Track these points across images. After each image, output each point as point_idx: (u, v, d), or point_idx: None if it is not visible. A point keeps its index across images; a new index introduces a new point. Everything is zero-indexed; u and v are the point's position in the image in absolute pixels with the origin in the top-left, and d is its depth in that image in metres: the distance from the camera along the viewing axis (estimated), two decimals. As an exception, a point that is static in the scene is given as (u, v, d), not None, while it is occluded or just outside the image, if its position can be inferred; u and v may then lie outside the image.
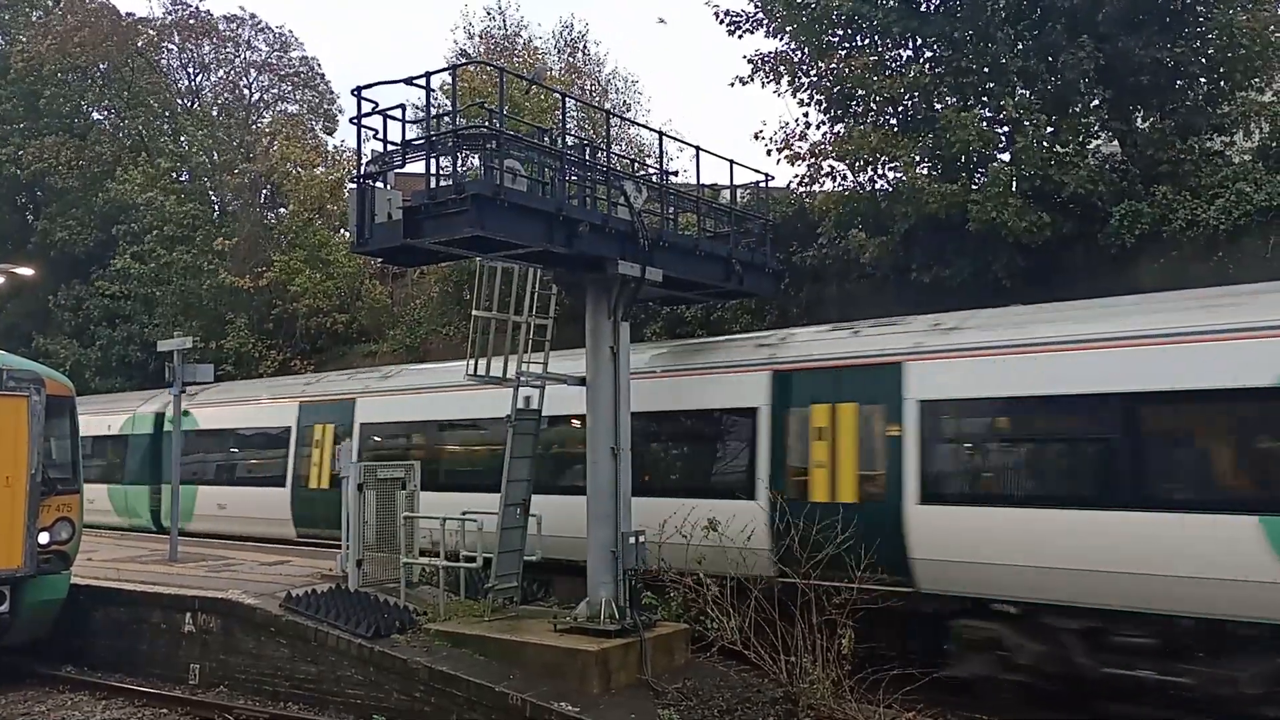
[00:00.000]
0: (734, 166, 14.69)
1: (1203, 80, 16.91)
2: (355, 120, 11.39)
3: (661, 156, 14.76)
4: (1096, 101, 17.32)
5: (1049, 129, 16.65)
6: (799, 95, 19.70)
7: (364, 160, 11.48)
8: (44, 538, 13.68)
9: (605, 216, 12.04)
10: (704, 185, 15.38)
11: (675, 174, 15.05)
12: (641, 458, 13.93)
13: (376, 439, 18.76)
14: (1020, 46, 17.04)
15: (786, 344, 14.25)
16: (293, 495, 20.05)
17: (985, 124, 17.45)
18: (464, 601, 13.28)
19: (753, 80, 20.10)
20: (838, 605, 10.77)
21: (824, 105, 19.52)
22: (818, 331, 14.50)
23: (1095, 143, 17.73)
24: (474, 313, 14.10)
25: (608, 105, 30.16)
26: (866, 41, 19.29)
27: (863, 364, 12.98)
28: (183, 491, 21.80)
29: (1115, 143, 17.93)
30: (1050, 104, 16.76)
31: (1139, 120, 17.52)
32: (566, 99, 14.11)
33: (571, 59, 34.12)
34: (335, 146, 37.23)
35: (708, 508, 12.52)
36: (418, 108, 14.42)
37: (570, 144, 13.51)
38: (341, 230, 30.71)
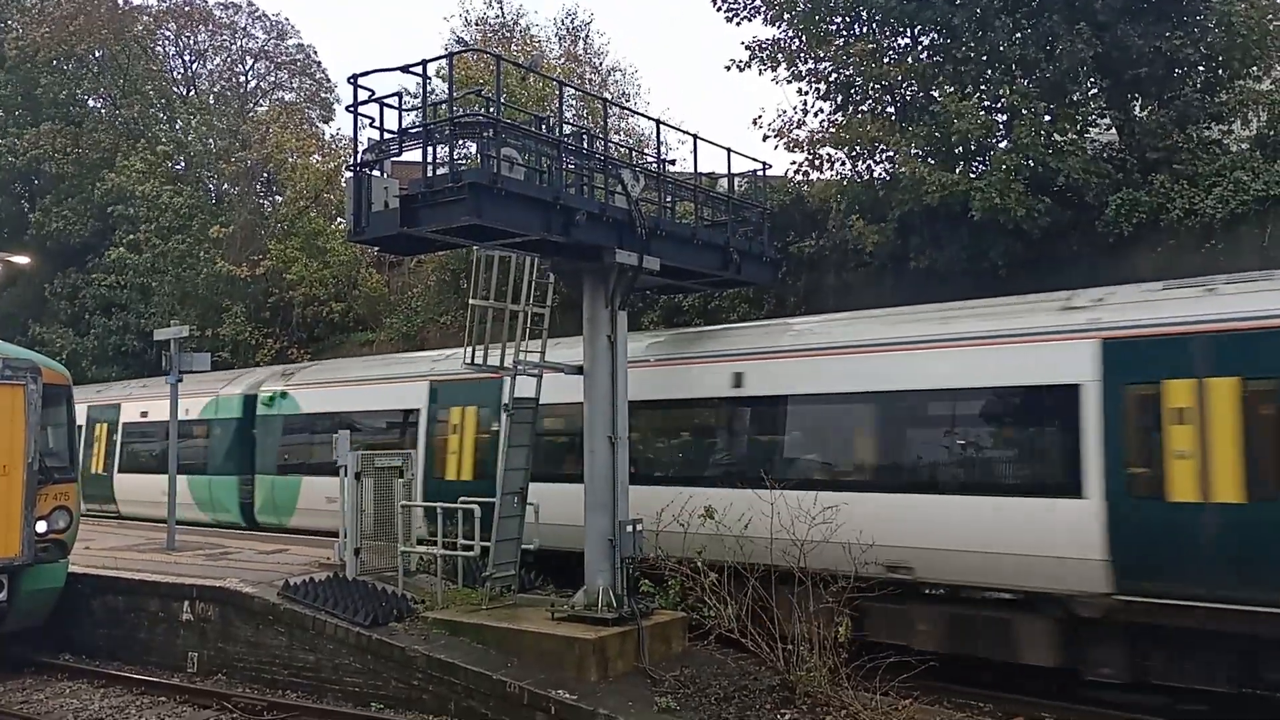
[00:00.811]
0: (731, 155, 14.67)
1: (1201, 69, 16.87)
2: (352, 108, 11.36)
3: (659, 145, 14.74)
4: (1094, 90, 17.30)
5: (1047, 117, 16.62)
6: (797, 84, 19.68)
7: (361, 148, 11.44)
8: (41, 526, 13.69)
9: (602, 205, 12.02)
10: (702, 174, 15.35)
11: (673, 162, 15.02)
12: (900, 447, 12.37)
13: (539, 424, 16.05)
14: (1019, 35, 16.99)
15: (1110, 305, 11.52)
16: (426, 489, 16.55)
17: (984, 112, 17.43)
18: (461, 590, 13.31)
19: (750, 66, 20.06)
20: (834, 593, 10.77)
21: (822, 93, 19.49)
22: (1150, 290, 11.69)
23: (1093, 131, 17.71)
24: (471, 301, 14.11)
25: (607, 95, 30.08)
26: (865, 29, 19.23)
27: (1245, 329, 10.32)
28: (283, 483, 20.02)
29: (1113, 131, 17.91)
30: (1048, 92, 16.73)
31: (1137, 109, 17.51)
32: (564, 86, 14.04)
33: (572, 47, 34.04)
34: (332, 135, 37.21)
35: (1002, 506, 10.70)
36: (414, 95, 14.38)
37: (567, 132, 13.47)
38: (338, 218, 30.65)
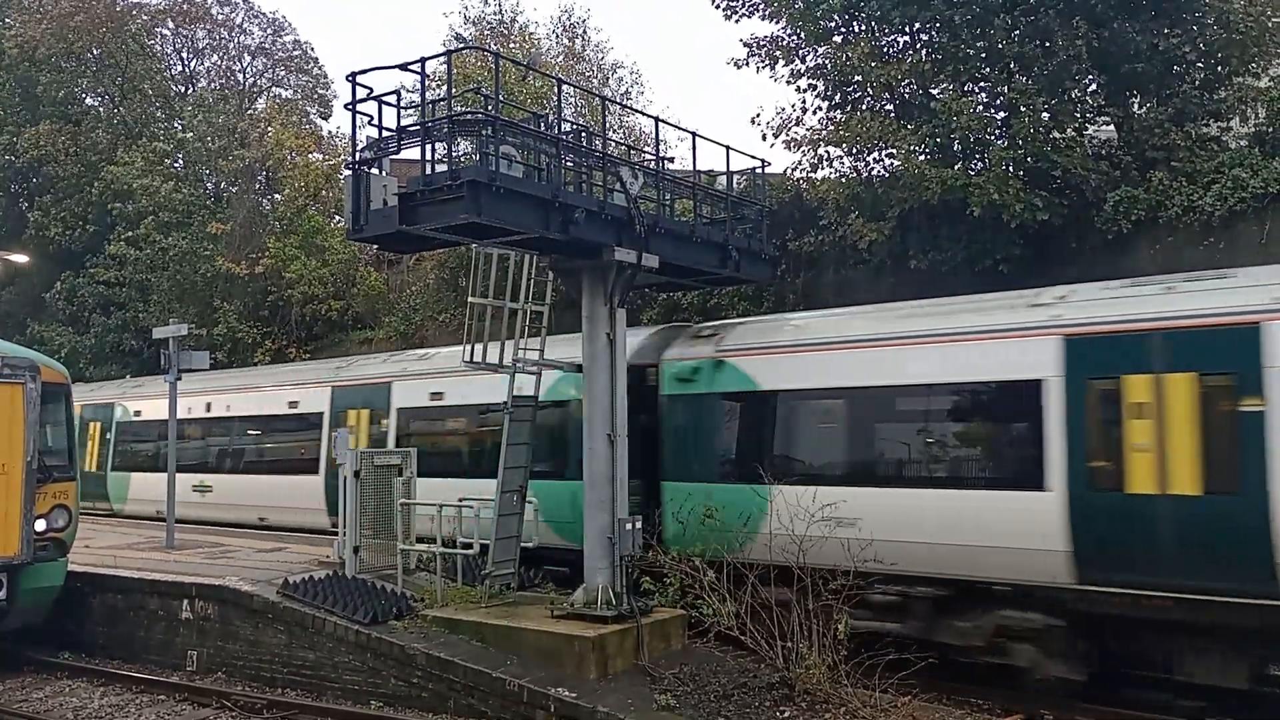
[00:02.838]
0: (730, 152, 14.67)
1: (1199, 66, 16.88)
2: (350, 106, 11.35)
3: (657, 142, 14.71)
4: (1093, 87, 17.30)
5: (1045, 114, 16.62)
6: (795, 81, 19.64)
7: (359, 146, 11.43)
8: (40, 525, 13.68)
9: (601, 203, 12.00)
10: (700, 171, 15.35)
11: (671, 160, 15.04)
12: None
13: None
14: (1017, 32, 16.99)
15: None
16: (1077, 505, 10.92)
17: (983, 109, 17.44)
18: (461, 588, 13.31)
19: (748, 64, 20.05)
20: (833, 591, 10.77)
21: (820, 91, 19.47)
22: None
23: (1091, 129, 17.72)
24: (470, 299, 14.09)
25: (608, 93, 30.07)
26: (863, 28, 19.21)
27: None
28: (731, 495, 13.15)
29: (1112, 128, 17.91)
30: (1047, 89, 16.73)
31: (1135, 106, 17.51)
32: (562, 84, 14.02)
33: (571, 44, 34.02)
34: (330, 132, 37.19)
35: None
36: (413, 92, 14.38)
37: (566, 130, 13.46)
38: (336, 216, 30.64)
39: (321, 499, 18.99)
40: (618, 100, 27.90)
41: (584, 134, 13.27)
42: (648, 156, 15.35)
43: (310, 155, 31.88)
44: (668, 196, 13.94)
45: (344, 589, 13.00)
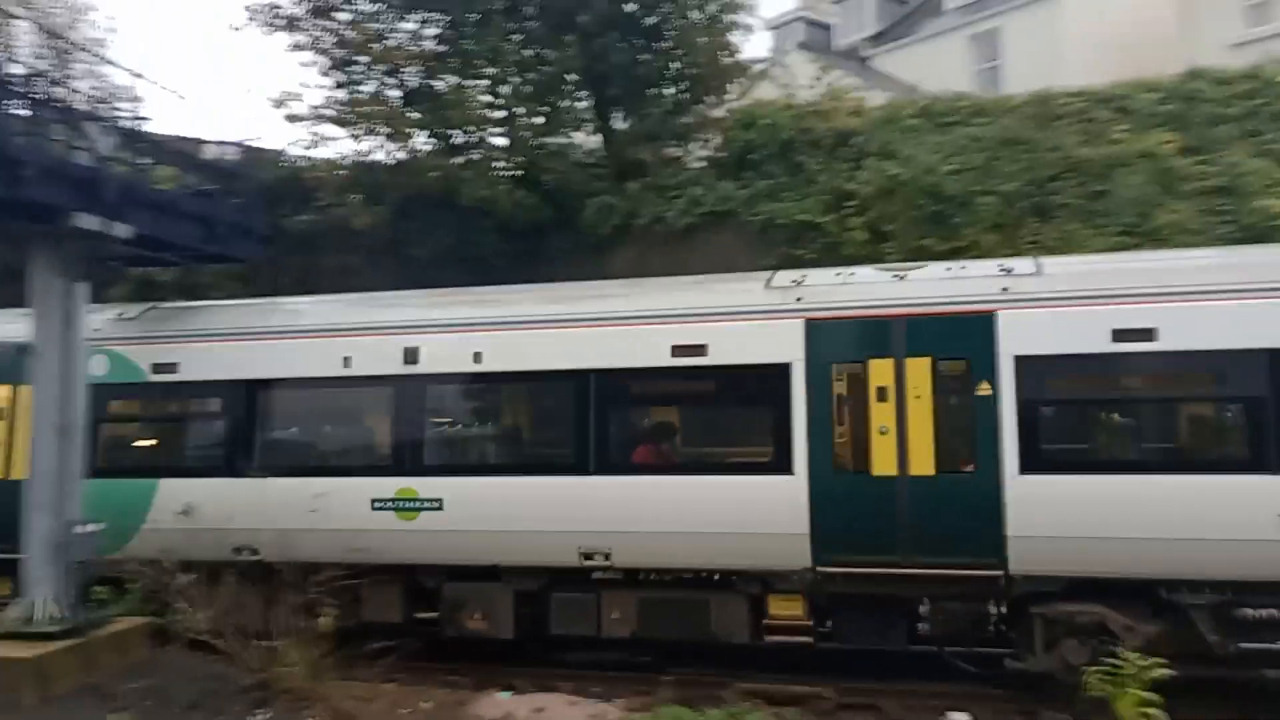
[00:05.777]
0: (223, 121, 13.72)
1: (671, 91, 18.90)
2: None
3: (137, 100, 13.27)
4: (582, 95, 18.63)
5: (539, 119, 17.59)
6: (300, 54, 18.78)
7: None
8: None
9: (61, 160, 10.56)
10: (188, 138, 14.14)
11: (149, 119, 13.67)
12: None
13: None
14: (515, 37, 17.77)
15: None
16: None
17: (484, 107, 17.99)
18: None
19: (250, 25, 18.76)
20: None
21: (324, 68, 18.81)
22: None
23: (582, 136, 19.08)
24: None
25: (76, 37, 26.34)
26: (370, 9, 18.87)
27: None
28: None
29: (601, 136, 19.45)
30: (541, 95, 17.71)
31: (618, 120, 19.17)
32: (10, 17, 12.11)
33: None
34: None
35: None
36: None
37: (18, 72, 11.66)
38: None
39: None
40: (88, 48, 24.57)
41: (41, 78, 11.59)
42: (125, 114, 13.76)
43: None
44: (148, 160, 12.65)
45: None
